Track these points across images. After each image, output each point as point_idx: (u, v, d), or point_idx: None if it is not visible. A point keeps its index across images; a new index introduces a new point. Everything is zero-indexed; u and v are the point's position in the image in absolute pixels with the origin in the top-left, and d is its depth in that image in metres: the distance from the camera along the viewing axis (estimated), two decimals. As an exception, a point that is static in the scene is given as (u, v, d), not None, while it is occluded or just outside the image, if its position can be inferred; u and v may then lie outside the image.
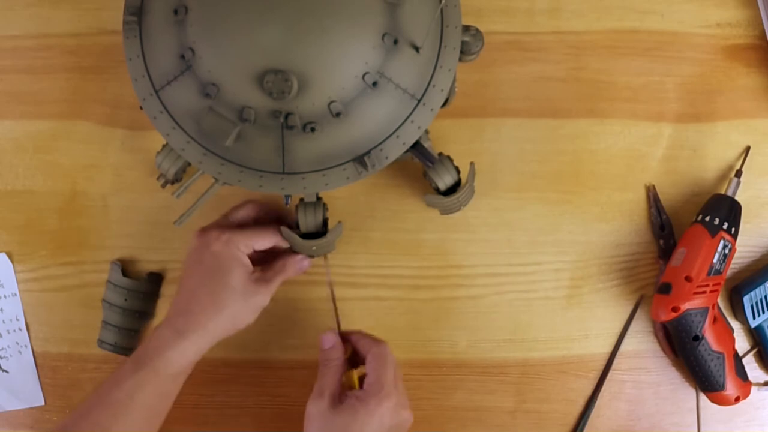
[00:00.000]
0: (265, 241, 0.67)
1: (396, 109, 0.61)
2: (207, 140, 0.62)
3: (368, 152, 0.61)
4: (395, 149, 0.61)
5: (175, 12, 0.59)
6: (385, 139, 0.61)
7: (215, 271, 0.64)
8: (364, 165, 0.61)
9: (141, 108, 0.62)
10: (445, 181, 0.68)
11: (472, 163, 0.68)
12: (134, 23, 0.61)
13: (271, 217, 0.70)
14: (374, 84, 0.59)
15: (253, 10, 0.56)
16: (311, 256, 0.69)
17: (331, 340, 0.65)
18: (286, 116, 0.58)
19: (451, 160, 0.68)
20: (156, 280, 0.74)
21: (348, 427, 0.60)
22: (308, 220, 0.66)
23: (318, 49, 0.56)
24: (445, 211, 0.71)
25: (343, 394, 0.62)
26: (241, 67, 0.57)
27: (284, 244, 0.68)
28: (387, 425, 0.60)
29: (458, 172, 0.68)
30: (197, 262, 0.65)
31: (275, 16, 0.56)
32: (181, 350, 0.63)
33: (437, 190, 0.68)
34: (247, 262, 0.66)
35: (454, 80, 0.65)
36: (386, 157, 0.61)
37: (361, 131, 0.60)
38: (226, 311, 0.64)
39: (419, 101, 0.61)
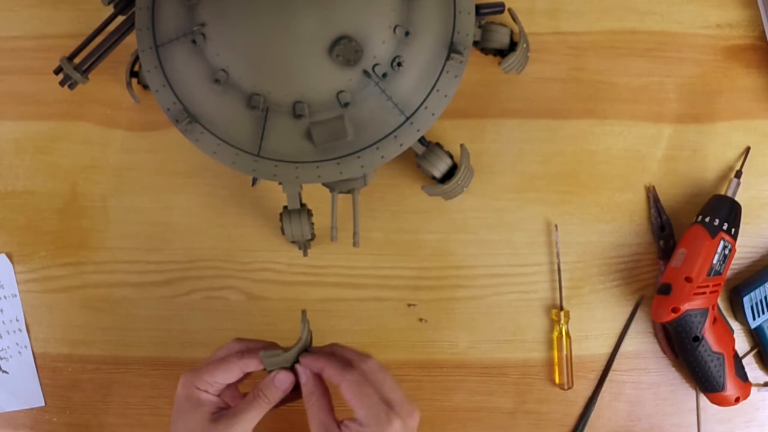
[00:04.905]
0: (227, 374, 0.60)
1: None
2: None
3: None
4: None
5: None
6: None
7: (174, 420, 0.61)
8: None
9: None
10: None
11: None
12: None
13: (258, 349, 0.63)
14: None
15: None
16: (292, 366, 0.61)
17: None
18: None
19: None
20: None
21: None
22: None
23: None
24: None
25: (343, 424, 0.58)
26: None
27: (255, 368, 0.61)
28: None
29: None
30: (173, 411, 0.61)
31: None
32: None
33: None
34: (209, 399, 0.60)
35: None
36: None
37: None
38: None
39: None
